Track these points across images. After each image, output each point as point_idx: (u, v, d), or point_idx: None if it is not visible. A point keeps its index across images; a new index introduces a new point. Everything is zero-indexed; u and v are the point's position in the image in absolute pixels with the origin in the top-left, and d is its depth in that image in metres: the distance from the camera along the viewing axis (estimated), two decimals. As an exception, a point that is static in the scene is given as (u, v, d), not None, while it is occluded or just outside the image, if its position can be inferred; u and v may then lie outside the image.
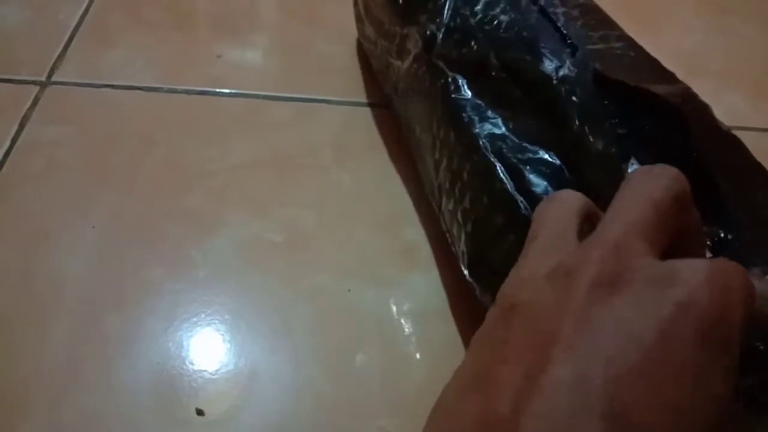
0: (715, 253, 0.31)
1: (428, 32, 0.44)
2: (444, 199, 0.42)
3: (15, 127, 0.54)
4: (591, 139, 0.36)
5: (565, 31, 0.41)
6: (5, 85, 0.58)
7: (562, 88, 0.38)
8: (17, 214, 0.48)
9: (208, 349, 0.42)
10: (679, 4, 0.76)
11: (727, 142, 0.38)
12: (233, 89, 0.59)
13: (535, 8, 0.43)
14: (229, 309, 0.44)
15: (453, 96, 0.41)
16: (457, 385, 0.22)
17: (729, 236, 0.32)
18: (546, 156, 0.37)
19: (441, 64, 0.43)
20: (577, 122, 0.36)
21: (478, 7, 0.44)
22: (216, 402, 0.40)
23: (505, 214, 0.36)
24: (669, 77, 0.42)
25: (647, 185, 0.24)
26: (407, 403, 0.40)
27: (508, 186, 0.36)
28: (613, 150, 0.35)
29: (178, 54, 0.62)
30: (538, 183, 0.36)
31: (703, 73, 0.67)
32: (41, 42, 0.62)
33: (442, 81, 0.42)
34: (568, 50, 0.40)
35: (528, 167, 0.36)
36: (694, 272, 0.20)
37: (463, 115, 0.40)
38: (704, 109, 0.38)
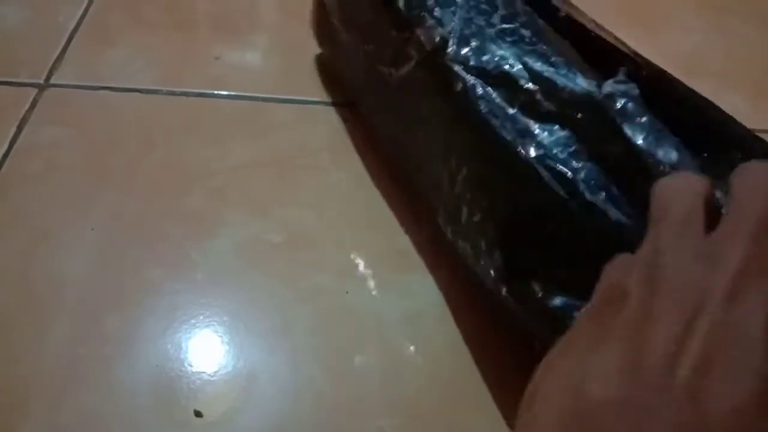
0: None
1: (438, 38, 0.43)
2: (465, 211, 0.41)
3: (14, 129, 0.54)
4: (645, 157, 0.35)
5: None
6: (4, 87, 0.58)
7: (609, 104, 0.37)
8: (17, 215, 0.49)
9: (207, 350, 0.42)
10: (679, 4, 0.76)
11: None
12: (232, 91, 0.59)
13: (551, 29, 0.43)
14: (229, 310, 0.44)
15: (476, 100, 0.40)
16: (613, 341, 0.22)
17: None
18: (595, 167, 0.36)
19: (457, 68, 0.41)
20: (630, 138, 0.36)
21: (494, 20, 0.43)
22: (215, 403, 0.40)
23: (557, 220, 0.35)
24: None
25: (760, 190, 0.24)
26: (406, 403, 0.40)
27: (559, 191, 0.35)
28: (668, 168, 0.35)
29: (178, 55, 0.62)
30: (591, 191, 0.35)
31: (703, 74, 0.67)
32: (40, 44, 0.62)
33: (461, 85, 0.40)
34: (599, 71, 0.40)
35: (577, 175, 0.35)
36: None
37: (492, 120, 0.39)
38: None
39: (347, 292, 0.45)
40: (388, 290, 0.45)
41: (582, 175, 0.35)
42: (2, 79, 0.58)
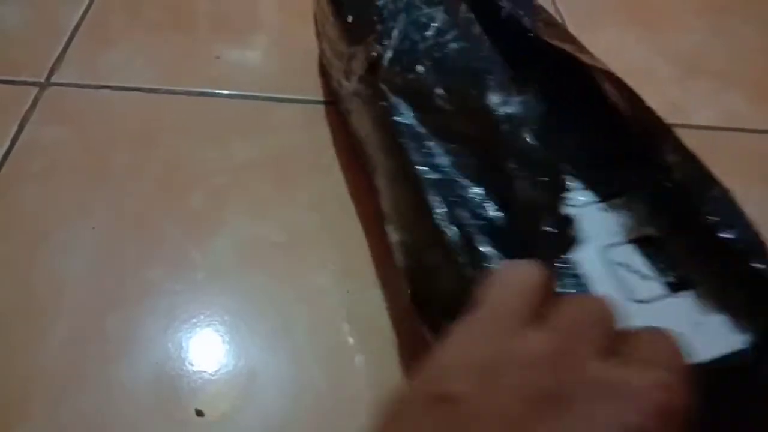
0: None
1: (374, 54, 0.43)
2: (389, 228, 0.41)
3: (14, 128, 0.54)
4: (525, 180, 0.35)
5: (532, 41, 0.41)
6: (5, 86, 0.58)
7: (505, 126, 0.38)
8: (17, 215, 0.48)
9: (207, 349, 0.42)
10: (680, 5, 0.76)
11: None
12: (233, 90, 0.59)
13: (486, 38, 0.43)
14: (229, 309, 0.44)
15: (393, 121, 0.39)
16: None
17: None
18: (481, 193, 0.35)
19: (384, 87, 0.41)
20: (514, 164, 0.36)
21: (429, 33, 0.43)
22: (215, 402, 0.40)
23: (438, 251, 0.34)
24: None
25: (582, 301, 0.23)
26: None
27: (441, 221, 0.34)
28: (543, 193, 0.35)
29: (178, 55, 0.62)
30: (471, 222, 0.34)
31: (703, 74, 0.67)
32: (41, 43, 0.62)
33: (384, 104, 0.40)
34: (515, 85, 0.40)
35: (462, 204, 0.35)
36: (643, 389, 0.19)
37: (401, 141, 0.38)
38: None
39: (348, 292, 0.45)
40: (387, 291, 0.45)
41: (464, 204, 0.35)
42: (3, 78, 0.58)
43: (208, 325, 0.43)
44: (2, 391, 0.40)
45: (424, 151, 0.37)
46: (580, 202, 0.36)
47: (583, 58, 0.41)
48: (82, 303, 0.44)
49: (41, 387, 0.40)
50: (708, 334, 0.28)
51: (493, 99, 0.39)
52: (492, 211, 0.34)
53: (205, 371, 0.41)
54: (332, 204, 0.51)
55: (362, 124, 0.45)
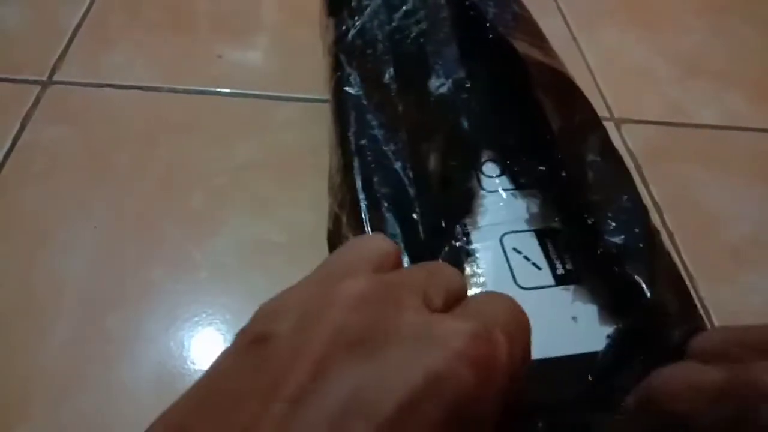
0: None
1: (343, 27, 0.46)
2: (330, 201, 0.42)
3: (16, 127, 0.54)
4: (445, 159, 0.37)
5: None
6: (6, 85, 0.58)
7: (441, 107, 0.40)
8: (18, 214, 0.49)
9: (209, 349, 0.42)
10: (680, 4, 0.76)
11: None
12: (234, 89, 0.59)
13: (450, 23, 0.44)
14: (230, 309, 0.44)
15: (343, 89, 0.42)
16: (169, 417, 0.18)
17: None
18: (402, 166, 0.37)
19: (343, 58, 0.44)
20: (440, 143, 0.38)
21: (398, 15, 0.45)
22: (217, 402, 0.40)
23: (349, 214, 0.36)
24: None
25: (428, 264, 0.23)
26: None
27: (358, 184, 0.36)
28: (459, 177, 0.37)
29: (179, 54, 0.62)
30: (384, 191, 0.35)
31: (703, 74, 0.67)
32: (42, 42, 0.62)
33: (339, 74, 0.43)
34: (463, 68, 0.41)
35: (379, 173, 0.36)
36: (453, 334, 0.18)
37: (346, 108, 0.41)
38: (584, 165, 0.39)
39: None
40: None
41: (381, 174, 0.36)
42: (5, 76, 0.58)
43: (210, 325, 0.43)
44: (2, 391, 0.40)
45: (362, 121, 0.39)
46: (493, 186, 0.37)
47: (535, 52, 0.42)
48: (82, 303, 0.44)
49: (41, 387, 0.40)
50: (582, 329, 0.29)
51: (434, 82, 0.41)
52: (407, 184, 0.36)
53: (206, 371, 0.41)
54: (333, 204, 0.51)
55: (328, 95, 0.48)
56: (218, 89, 0.59)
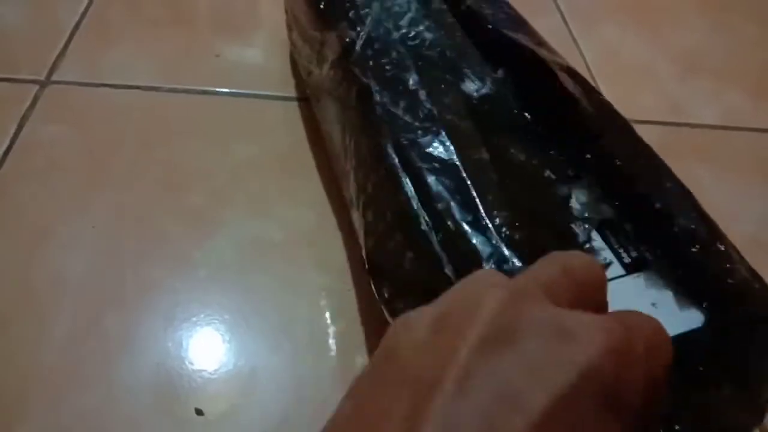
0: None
1: (348, 39, 0.43)
2: (354, 213, 0.40)
3: (14, 127, 0.54)
4: (511, 155, 0.36)
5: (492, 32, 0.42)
6: (5, 85, 0.58)
7: (483, 107, 0.38)
8: (17, 213, 0.48)
9: (207, 348, 0.42)
10: (680, 2, 0.76)
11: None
12: (233, 88, 0.59)
13: (460, 27, 0.44)
14: (229, 308, 0.44)
15: (365, 102, 0.40)
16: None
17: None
18: (453, 169, 0.35)
19: (357, 71, 0.42)
20: (496, 139, 0.36)
21: (403, 22, 0.43)
22: (215, 402, 0.40)
23: (406, 230, 0.34)
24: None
25: (563, 256, 0.22)
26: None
27: (413, 200, 0.34)
28: (535, 163, 0.35)
29: (178, 53, 0.62)
30: (442, 197, 0.34)
31: (704, 72, 0.67)
32: (41, 41, 0.62)
33: (357, 88, 0.41)
34: (490, 69, 0.41)
35: (434, 178, 0.35)
36: (591, 328, 0.18)
37: (373, 120, 0.39)
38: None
39: (348, 290, 0.45)
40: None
41: (436, 178, 0.35)
42: (3, 76, 0.58)
43: (208, 324, 0.43)
44: (2, 391, 0.40)
45: (396, 128, 0.38)
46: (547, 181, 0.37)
47: (542, 51, 0.42)
48: (82, 302, 0.44)
49: (40, 386, 0.40)
50: (664, 314, 0.29)
51: (468, 85, 0.40)
52: (471, 198, 0.34)
53: (205, 370, 0.41)
54: (332, 202, 0.51)
55: (331, 110, 0.46)
56: (217, 88, 0.59)
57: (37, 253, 0.46)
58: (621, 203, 0.35)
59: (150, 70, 0.60)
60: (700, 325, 0.29)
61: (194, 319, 0.44)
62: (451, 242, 0.32)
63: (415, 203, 0.34)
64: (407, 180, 0.35)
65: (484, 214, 0.33)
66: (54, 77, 0.59)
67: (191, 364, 0.42)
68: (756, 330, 0.29)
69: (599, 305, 0.22)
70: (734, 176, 0.58)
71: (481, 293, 0.20)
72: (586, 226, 0.34)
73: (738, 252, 0.33)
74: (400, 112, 0.38)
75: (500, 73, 0.41)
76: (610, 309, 0.22)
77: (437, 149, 0.36)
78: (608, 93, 0.63)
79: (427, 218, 0.33)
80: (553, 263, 0.22)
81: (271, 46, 0.65)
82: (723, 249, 0.32)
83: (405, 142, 0.37)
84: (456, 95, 0.39)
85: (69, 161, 0.52)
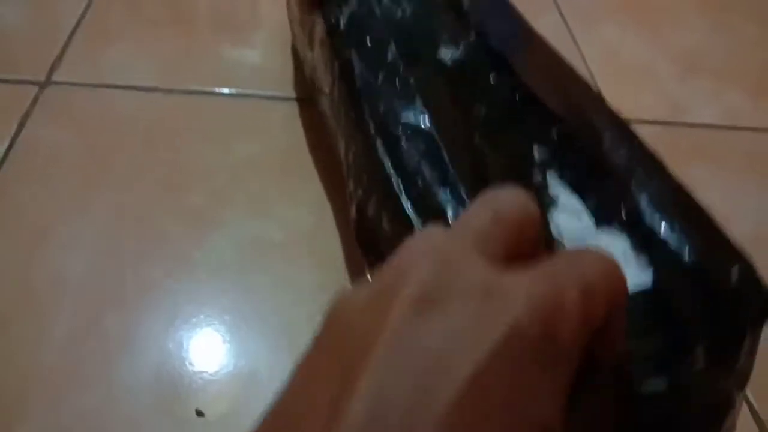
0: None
1: (333, 19, 0.45)
2: (349, 188, 0.42)
3: (14, 127, 0.54)
4: (477, 114, 0.37)
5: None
6: (4, 86, 0.58)
7: (457, 73, 0.39)
8: (17, 214, 0.48)
9: (208, 349, 0.42)
10: (680, 2, 0.76)
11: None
12: (233, 88, 0.59)
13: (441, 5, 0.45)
14: (229, 309, 0.44)
15: (347, 76, 0.42)
16: (268, 416, 0.19)
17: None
18: (427, 135, 0.36)
19: (340, 47, 0.44)
20: (470, 104, 0.37)
21: (385, 1, 0.45)
22: (216, 402, 0.40)
23: (381, 194, 0.35)
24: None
25: (494, 198, 0.22)
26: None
27: (386, 164, 0.35)
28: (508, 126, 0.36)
29: (178, 53, 0.62)
30: (414, 160, 0.35)
31: (704, 72, 0.67)
32: (40, 41, 0.62)
33: (339, 62, 0.43)
34: (467, 33, 0.42)
35: (408, 143, 0.36)
36: (516, 286, 0.18)
37: (353, 92, 0.40)
38: (595, 125, 0.38)
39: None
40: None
41: (408, 141, 0.36)
42: (3, 76, 0.58)
43: (209, 325, 0.43)
44: (2, 391, 0.40)
45: (375, 98, 0.39)
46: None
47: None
48: (82, 302, 0.44)
49: (40, 386, 0.40)
50: (628, 269, 0.29)
51: (443, 52, 0.41)
52: (442, 159, 0.35)
53: (205, 371, 0.41)
54: (332, 202, 0.51)
55: (324, 88, 0.47)
56: (217, 89, 0.59)
57: (37, 253, 0.46)
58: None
59: (150, 71, 0.60)
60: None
61: (194, 319, 0.44)
62: (422, 203, 0.33)
63: (388, 167, 0.35)
64: (382, 146, 0.36)
65: (454, 175, 0.34)
66: (54, 78, 0.59)
67: (191, 364, 0.41)
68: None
69: (534, 243, 0.22)
70: (734, 175, 0.58)
71: (414, 257, 0.19)
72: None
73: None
74: (378, 83, 0.40)
75: (472, 36, 0.42)
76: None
77: (412, 117, 0.37)
78: (608, 92, 0.64)
79: (399, 181, 0.34)
80: (486, 207, 0.21)
81: (271, 46, 0.64)
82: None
83: (382, 111, 0.38)
84: (431, 66, 0.40)
85: (69, 161, 0.52)
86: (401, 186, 0.34)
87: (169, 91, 0.58)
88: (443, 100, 0.38)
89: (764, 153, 0.60)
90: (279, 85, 0.60)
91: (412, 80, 0.39)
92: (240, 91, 0.59)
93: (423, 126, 0.37)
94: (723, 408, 0.28)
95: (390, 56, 0.41)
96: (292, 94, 0.59)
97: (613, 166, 0.34)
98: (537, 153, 0.35)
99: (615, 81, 0.64)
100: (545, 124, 0.36)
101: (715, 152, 0.60)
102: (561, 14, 0.72)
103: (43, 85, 0.58)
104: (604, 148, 0.35)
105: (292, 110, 0.58)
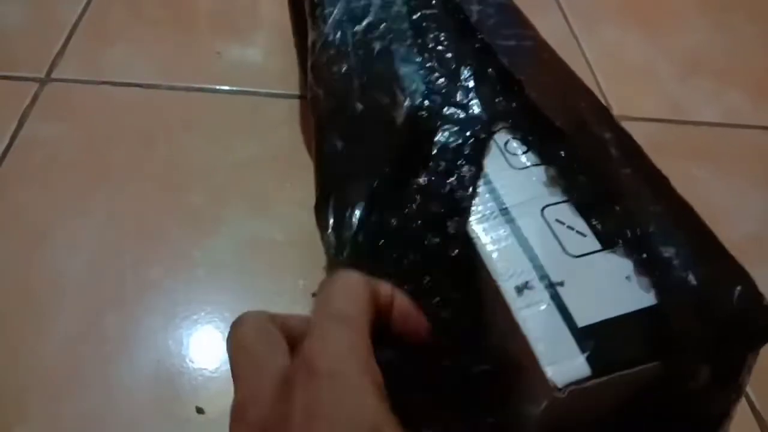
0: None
1: (311, 41, 0.44)
2: None
3: (14, 124, 0.54)
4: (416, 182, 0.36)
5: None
6: (4, 82, 0.58)
7: (403, 135, 0.39)
8: (16, 212, 0.48)
9: (208, 347, 0.42)
10: (681, 2, 0.76)
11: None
12: (233, 86, 0.59)
13: (411, 32, 0.43)
14: (229, 307, 0.44)
15: (315, 109, 0.42)
16: None
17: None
18: (367, 183, 0.37)
19: (311, 77, 0.42)
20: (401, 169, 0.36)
21: (360, 27, 0.43)
22: (216, 400, 0.40)
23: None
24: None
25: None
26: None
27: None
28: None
29: (178, 51, 0.62)
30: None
31: (705, 72, 0.67)
32: (41, 39, 0.62)
33: (311, 95, 0.42)
34: (426, 89, 0.40)
35: (349, 185, 0.37)
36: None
37: (321, 126, 0.42)
38: (603, 143, 0.38)
39: (348, 290, 0.45)
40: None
41: (350, 187, 0.37)
42: (3, 74, 0.58)
43: (209, 323, 0.43)
44: (2, 391, 0.40)
45: (330, 137, 0.41)
46: (521, 163, 0.37)
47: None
48: (81, 301, 0.44)
49: (40, 386, 0.40)
50: (633, 288, 0.29)
51: (397, 109, 0.40)
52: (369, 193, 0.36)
53: (205, 369, 0.41)
54: (333, 202, 0.51)
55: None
56: (217, 86, 0.59)
57: (36, 252, 0.46)
58: (592, 181, 0.35)
59: (150, 68, 0.60)
60: (650, 305, 0.29)
61: (194, 317, 0.44)
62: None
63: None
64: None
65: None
66: (54, 75, 0.59)
67: (192, 362, 0.41)
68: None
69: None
70: (734, 175, 0.58)
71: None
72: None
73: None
74: (335, 125, 0.41)
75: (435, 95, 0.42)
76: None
77: (362, 161, 0.38)
78: (609, 92, 0.64)
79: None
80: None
81: (271, 44, 0.64)
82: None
83: (335, 150, 0.40)
84: (385, 118, 0.39)
85: (69, 159, 0.52)
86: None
87: (170, 89, 0.58)
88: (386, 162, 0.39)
89: (764, 153, 0.60)
90: (279, 82, 0.60)
91: (365, 129, 0.40)
92: (240, 88, 0.59)
93: (366, 176, 0.37)
94: (720, 419, 0.28)
95: (354, 100, 0.41)
96: (293, 91, 0.59)
97: (619, 186, 0.34)
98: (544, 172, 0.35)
99: (616, 80, 0.64)
100: (552, 142, 0.36)
101: (715, 152, 0.60)
102: (563, 14, 0.72)
103: (43, 83, 0.58)
104: (610, 166, 0.35)
105: (293, 107, 0.58)
